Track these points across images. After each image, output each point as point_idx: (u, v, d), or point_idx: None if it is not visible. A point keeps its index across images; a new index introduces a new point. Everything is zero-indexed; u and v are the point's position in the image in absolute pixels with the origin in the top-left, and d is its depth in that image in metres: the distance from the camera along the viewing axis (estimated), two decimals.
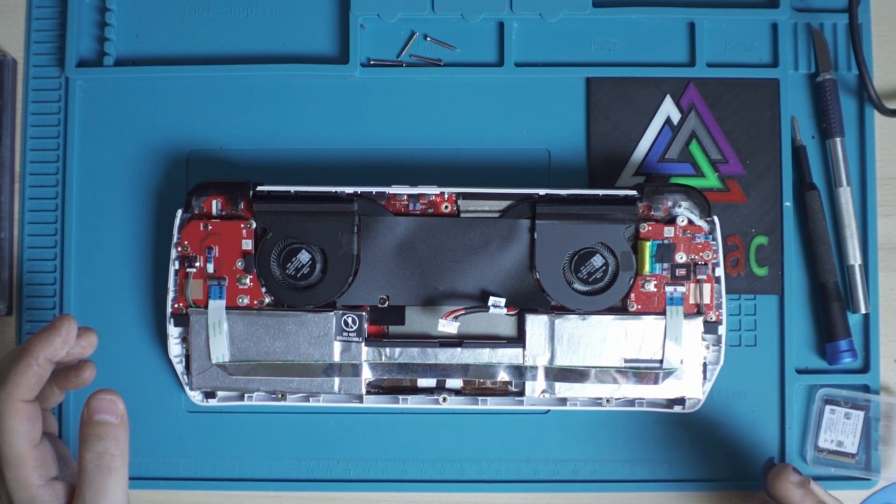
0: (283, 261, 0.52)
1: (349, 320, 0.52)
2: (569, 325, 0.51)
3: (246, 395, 0.53)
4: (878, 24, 0.57)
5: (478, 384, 0.53)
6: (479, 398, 0.52)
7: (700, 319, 0.52)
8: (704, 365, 0.52)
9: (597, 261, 0.51)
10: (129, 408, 0.46)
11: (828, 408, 0.54)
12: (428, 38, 0.57)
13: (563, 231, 0.51)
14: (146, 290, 0.54)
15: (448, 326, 0.51)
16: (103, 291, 0.55)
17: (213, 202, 0.53)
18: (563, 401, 0.53)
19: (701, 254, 0.52)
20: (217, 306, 0.52)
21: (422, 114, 0.56)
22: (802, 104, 0.56)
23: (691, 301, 0.52)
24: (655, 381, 0.52)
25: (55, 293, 0.55)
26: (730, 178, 0.56)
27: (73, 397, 0.55)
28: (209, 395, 0.53)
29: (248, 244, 0.52)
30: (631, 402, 0.53)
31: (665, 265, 0.52)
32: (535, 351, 0.52)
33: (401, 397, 0.53)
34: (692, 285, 0.52)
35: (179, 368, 0.53)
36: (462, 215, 0.53)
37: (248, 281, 0.52)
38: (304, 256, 0.52)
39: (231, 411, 0.54)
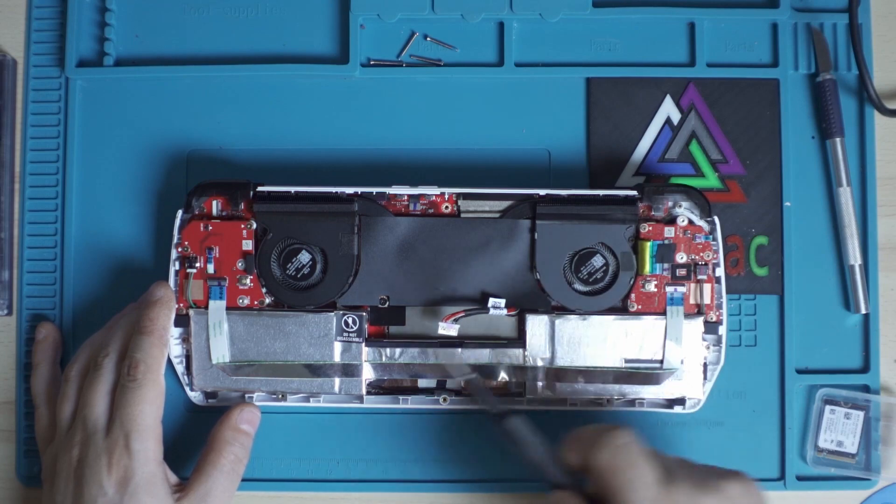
0: (283, 261, 0.52)
1: (349, 321, 0.52)
2: (569, 325, 0.52)
3: (246, 396, 0.53)
4: (878, 24, 0.57)
5: None
6: None
7: (700, 319, 0.52)
8: (705, 365, 0.52)
9: (597, 261, 0.51)
10: None
11: (828, 408, 0.54)
12: (428, 38, 0.56)
13: (563, 231, 0.52)
14: (146, 290, 0.54)
15: (448, 329, 0.51)
16: (103, 292, 0.55)
17: (214, 202, 0.53)
18: (564, 401, 0.53)
19: (701, 254, 0.52)
20: (217, 307, 0.52)
21: (422, 114, 0.56)
22: (802, 104, 0.56)
23: (692, 301, 0.52)
24: (656, 382, 0.52)
25: (55, 293, 0.55)
26: (730, 178, 0.56)
27: None
28: (210, 395, 0.53)
29: (248, 244, 0.52)
30: (631, 403, 0.53)
31: (665, 265, 0.52)
32: (536, 351, 0.52)
33: (401, 397, 0.53)
34: (692, 285, 0.52)
35: (180, 369, 0.53)
36: (462, 215, 0.53)
37: (248, 281, 0.52)
38: (304, 257, 0.52)
39: None
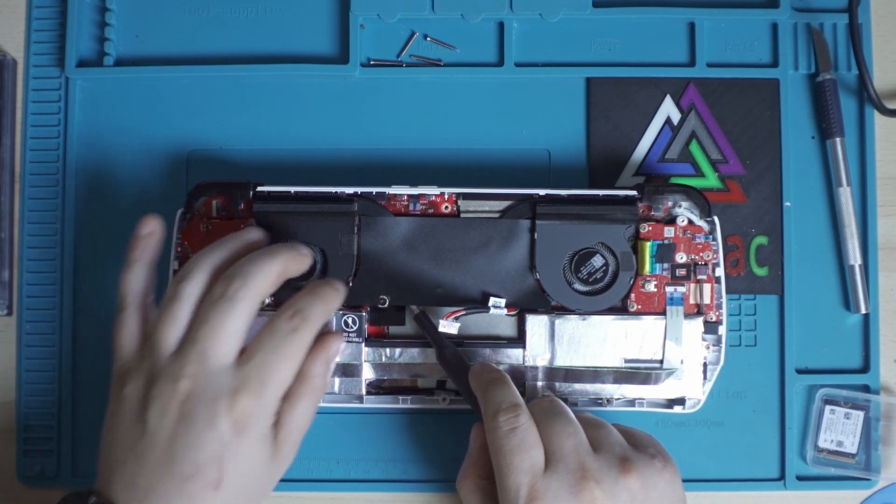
0: None
1: (349, 320, 0.52)
2: (569, 325, 0.52)
3: None
4: (878, 24, 0.57)
5: None
6: None
7: (700, 319, 0.52)
8: (704, 365, 0.52)
9: (597, 261, 0.51)
10: None
11: (828, 408, 0.54)
12: (428, 38, 0.57)
13: (563, 231, 0.52)
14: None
15: (448, 327, 0.51)
16: (103, 292, 0.55)
17: (214, 202, 0.53)
18: (564, 401, 0.53)
19: (701, 254, 0.52)
20: None
21: (422, 114, 0.56)
22: (802, 104, 0.56)
23: (691, 301, 0.52)
24: (656, 382, 0.52)
25: (55, 293, 0.55)
26: (730, 178, 0.56)
27: None
28: None
29: None
30: (631, 402, 0.53)
31: (665, 265, 0.52)
32: (536, 351, 0.52)
33: (401, 397, 0.53)
34: (692, 285, 0.52)
35: None
36: (462, 215, 0.53)
37: None
38: None
39: None
